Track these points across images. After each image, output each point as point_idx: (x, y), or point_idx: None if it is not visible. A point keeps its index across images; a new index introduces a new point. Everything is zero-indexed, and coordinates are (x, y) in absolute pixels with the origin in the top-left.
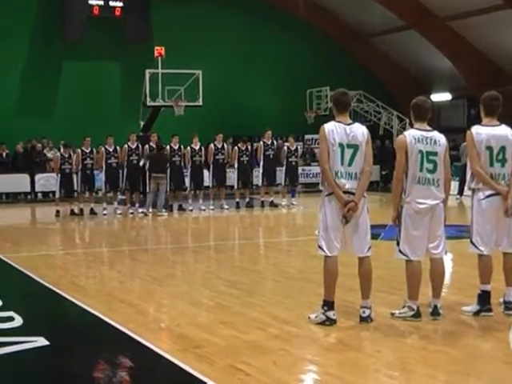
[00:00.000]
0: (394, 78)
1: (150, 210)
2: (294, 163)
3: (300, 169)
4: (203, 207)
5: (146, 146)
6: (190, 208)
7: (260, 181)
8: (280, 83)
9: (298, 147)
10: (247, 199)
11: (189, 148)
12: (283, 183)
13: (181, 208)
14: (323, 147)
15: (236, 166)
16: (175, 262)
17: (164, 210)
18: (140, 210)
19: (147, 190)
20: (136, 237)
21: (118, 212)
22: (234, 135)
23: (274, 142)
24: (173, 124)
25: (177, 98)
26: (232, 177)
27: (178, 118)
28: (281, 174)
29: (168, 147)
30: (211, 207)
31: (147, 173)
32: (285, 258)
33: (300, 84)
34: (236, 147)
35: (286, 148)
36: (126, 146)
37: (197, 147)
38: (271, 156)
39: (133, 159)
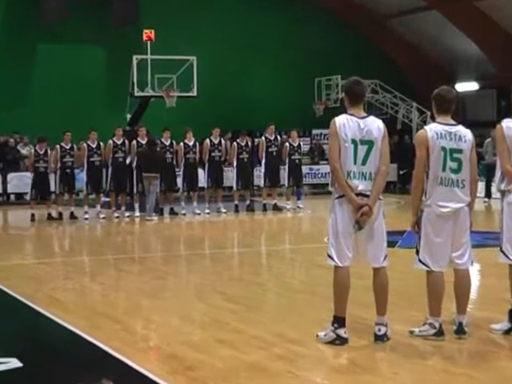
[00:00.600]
0: (413, 66)
1: (154, 215)
2: (297, 161)
3: (307, 168)
4: (198, 211)
5: (134, 141)
6: (183, 212)
7: (262, 181)
8: (285, 71)
9: (301, 143)
10: (247, 202)
11: (182, 144)
12: (287, 184)
13: (172, 212)
14: (333, 144)
15: (235, 164)
16: (166, 273)
17: (154, 214)
18: (127, 214)
19: (134, 192)
20: (122, 244)
21: (102, 216)
22: (233, 130)
23: (278, 137)
24: (164, 117)
25: (168, 87)
26: (230, 176)
27: (169, 110)
28: (285, 174)
29: (157, 143)
30: (207, 211)
31: (135, 172)
32: (290, 269)
33: (307, 72)
34: (235, 143)
35: (287, 144)
36: (110, 141)
37: (191, 143)
38: (274, 153)
39: (118, 156)
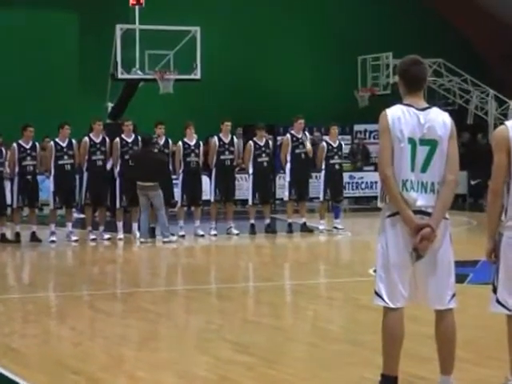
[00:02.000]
0: (489, 40)
1: (148, 237)
2: (337, 167)
3: (347, 176)
4: (201, 232)
5: (117, 139)
6: (182, 233)
7: (286, 193)
8: (317, 48)
9: (342, 143)
10: (267, 220)
11: (180, 143)
12: (322, 197)
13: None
14: (384, 144)
15: (251, 170)
16: (158, 314)
17: (169, 235)
18: (106, 236)
19: (117, 206)
20: (100, 275)
21: (74, 238)
22: (248, 124)
23: (308, 134)
24: (157, 107)
25: (163, 68)
26: (245, 186)
27: (164, 97)
28: (318, 184)
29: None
30: (213, 232)
31: (118, 179)
32: (323, 310)
33: (348, 49)
34: (251, 142)
35: (324, 144)
36: (86, 139)
37: (192, 142)
38: (303, 156)
39: (97, 159)
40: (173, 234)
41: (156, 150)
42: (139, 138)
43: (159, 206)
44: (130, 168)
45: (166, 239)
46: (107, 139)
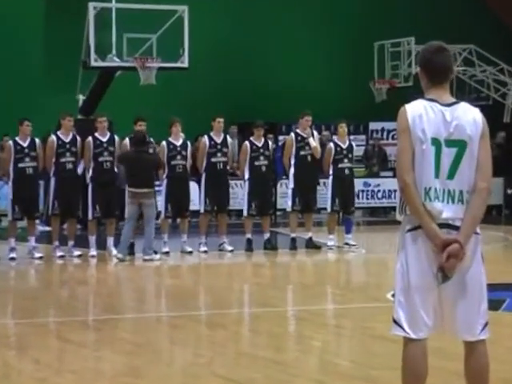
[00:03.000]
0: None
1: (127, 254)
2: (346, 172)
3: (361, 182)
4: (188, 248)
5: (89, 138)
6: (166, 249)
7: (290, 202)
8: (326, 32)
9: (354, 144)
10: (267, 235)
11: (164, 143)
12: (329, 208)
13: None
14: (404, 145)
15: (247, 175)
16: (138, 345)
17: (153, 254)
18: (77, 252)
19: (89, 217)
20: (69, 299)
21: (37, 255)
22: (243, 121)
23: (315, 133)
24: (137, 100)
25: (144, 54)
26: (240, 194)
27: (145, 89)
28: (326, 192)
29: (126, 140)
30: (203, 248)
31: (90, 186)
32: (332, 341)
33: (362, 33)
34: (247, 143)
35: (332, 145)
36: (53, 138)
37: (178, 142)
38: (309, 158)
39: (66, 161)
40: (155, 252)
41: (151, 151)
42: (115, 137)
43: (151, 217)
44: (120, 172)
45: (147, 257)
46: (78, 138)
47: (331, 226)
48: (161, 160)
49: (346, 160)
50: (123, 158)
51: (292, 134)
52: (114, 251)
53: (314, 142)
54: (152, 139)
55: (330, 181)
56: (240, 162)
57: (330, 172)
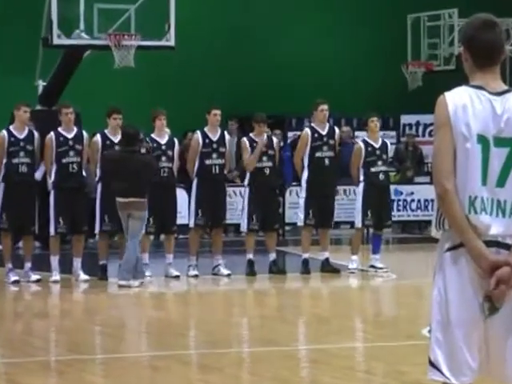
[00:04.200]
0: None
1: (140, 277)
2: (381, 177)
3: (391, 189)
4: (174, 271)
5: (51, 134)
6: (147, 273)
7: (301, 215)
8: (346, 4)
9: (388, 143)
10: (272, 255)
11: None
12: (359, 222)
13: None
14: (443, 144)
15: (247, 180)
16: None
17: (129, 278)
18: (34, 277)
19: (52, 231)
20: (25, 336)
21: None
22: (244, 115)
23: (336, 129)
24: (111, 87)
25: (119, 30)
26: (240, 205)
27: (122, 73)
28: (350, 203)
29: (97, 138)
30: (192, 272)
31: (52, 194)
32: None
33: (393, 4)
34: (245, 139)
35: (362, 145)
36: (4, 133)
37: (163, 140)
38: (327, 161)
39: (19, 163)
40: (147, 276)
41: (144, 151)
42: (84, 133)
43: (135, 232)
44: (89, 176)
45: (123, 282)
46: (36, 134)
47: (356, 244)
48: (156, 163)
49: (379, 162)
50: (108, 160)
51: (307, 130)
52: (82, 275)
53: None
54: (147, 137)
55: (360, 189)
56: (246, 163)
57: (361, 178)
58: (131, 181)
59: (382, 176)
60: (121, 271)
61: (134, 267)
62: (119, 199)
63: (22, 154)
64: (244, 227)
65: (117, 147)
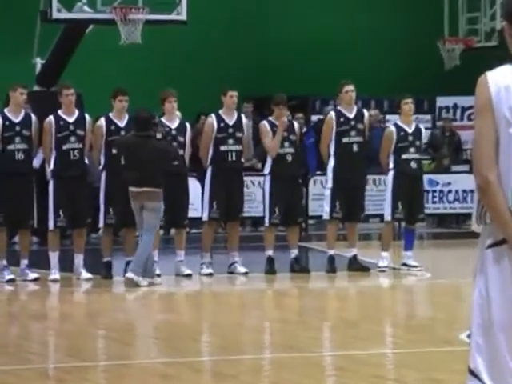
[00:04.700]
0: None
1: (149, 276)
2: (413, 165)
3: (425, 180)
4: (186, 270)
5: (50, 118)
6: (157, 271)
7: (327, 208)
8: None
9: (422, 127)
10: (295, 252)
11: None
12: (389, 215)
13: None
14: (484, 128)
15: (267, 169)
16: None
17: (144, 275)
18: (32, 275)
19: (51, 224)
20: (21, 341)
21: None
22: (261, 96)
23: (365, 112)
24: (116, 66)
25: (125, 2)
26: (258, 196)
27: (128, 50)
28: (379, 194)
29: (101, 122)
30: (206, 270)
31: (52, 184)
32: None
33: None
34: (265, 122)
35: (393, 129)
36: None
37: (174, 124)
38: (355, 147)
39: (15, 150)
40: (158, 275)
41: (159, 136)
42: (86, 116)
43: (150, 226)
44: (92, 164)
45: (131, 275)
46: (33, 118)
47: (387, 239)
48: (175, 150)
49: (412, 149)
50: (120, 146)
51: (332, 113)
52: (84, 273)
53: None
54: (163, 120)
55: (389, 177)
56: (271, 148)
57: (391, 165)
58: (145, 169)
59: (413, 164)
60: (133, 269)
61: (145, 264)
62: (132, 189)
63: (18, 139)
64: (265, 221)
65: (122, 132)
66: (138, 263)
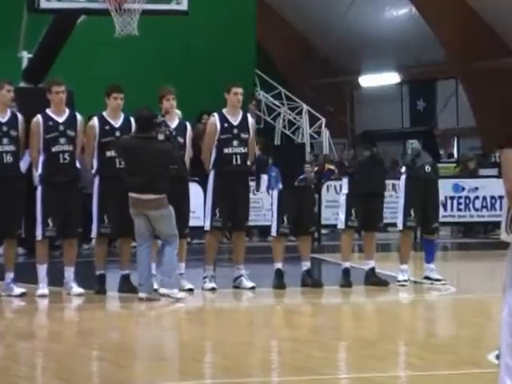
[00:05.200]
0: None
1: (145, 290)
2: (427, 169)
3: (449, 184)
4: (187, 284)
5: (38, 117)
6: (156, 286)
7: (342, 216)
8: None
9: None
10: (306, 264)
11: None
12: (401, 223)
13: (126, 285)
14: None
15: (274, 172)
16: None
17: (175, 288)
18: (17, 290)
19: (39, 234)
20: (5, 362)
21: None
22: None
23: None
24: (110, 61)
25: None
26: (266, 204)
27: (123, 43)
28: (398, 199)
29: (94, 122)
30: (209, 284)
31: (40, 189)
32: None
33: None
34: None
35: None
36: None
37: (173, 123)
38: (374, 149)
39: (3, 151)
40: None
41: (162, 137)
42: (77, 115)
43: (169, 235)
44: (83, 168)
45: (166, 291)
46: (20, 117)
47: (405, 250)
48: (179, 153)
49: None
50: (119, 148)
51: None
52: (76, 288)
53: None
54: (165, 120)
55: (401, 182)
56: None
57: (402, 169)
58: (147, 173)
59: (428, 168)
60: (162, 281)
61: (149, 277)
62: (132, 195)
63: (5, 140)
64: (273, 230)
65: (117, 133)
66: (169, 275)
